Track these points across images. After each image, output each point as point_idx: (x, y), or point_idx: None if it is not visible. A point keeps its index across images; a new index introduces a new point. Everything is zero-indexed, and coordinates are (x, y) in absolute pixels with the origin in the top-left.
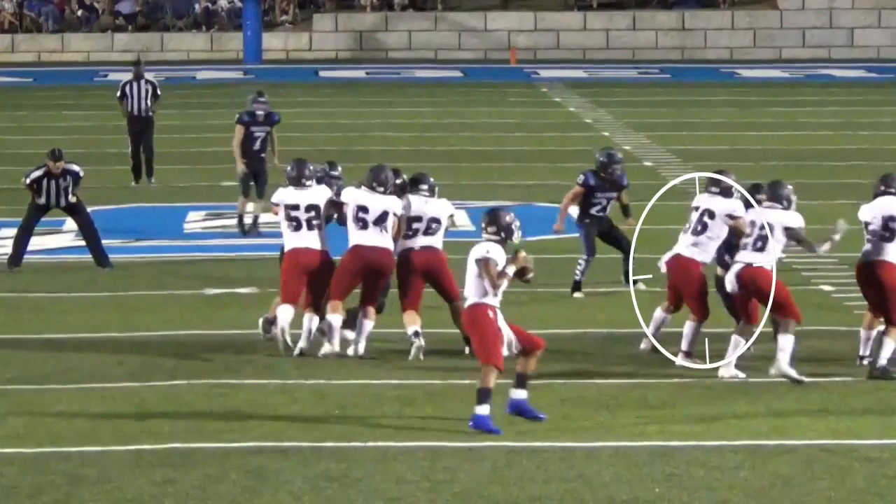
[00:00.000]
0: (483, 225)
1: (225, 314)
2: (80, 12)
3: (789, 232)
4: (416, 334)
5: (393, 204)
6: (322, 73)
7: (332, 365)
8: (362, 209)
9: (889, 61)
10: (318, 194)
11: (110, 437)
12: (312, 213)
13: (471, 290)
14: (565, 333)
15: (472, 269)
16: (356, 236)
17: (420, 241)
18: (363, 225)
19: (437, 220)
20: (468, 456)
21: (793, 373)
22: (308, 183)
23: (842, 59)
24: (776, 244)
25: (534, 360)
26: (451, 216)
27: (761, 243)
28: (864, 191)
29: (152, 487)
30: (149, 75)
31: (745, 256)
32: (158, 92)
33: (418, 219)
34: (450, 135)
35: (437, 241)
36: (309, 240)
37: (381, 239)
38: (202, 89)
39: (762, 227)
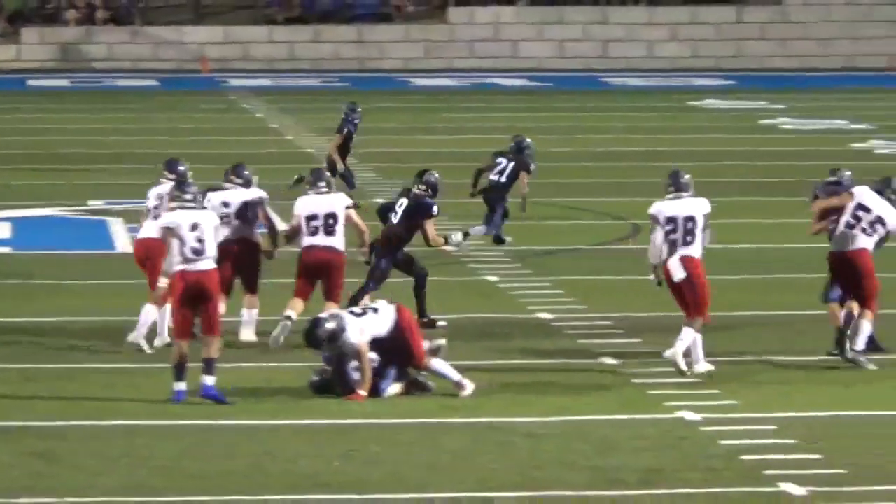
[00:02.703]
0: None
1: None
2: None
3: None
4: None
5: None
6: (30, 83)
7: (35, 348)
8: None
9: (549, 71)
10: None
11: None
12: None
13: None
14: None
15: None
16: None
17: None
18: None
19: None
20: (165, 433)
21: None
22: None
23: (507, 68)
24: None
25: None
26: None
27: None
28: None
29: None
30: None
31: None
32: None
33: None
34: (148, 139)
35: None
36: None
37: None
38: None
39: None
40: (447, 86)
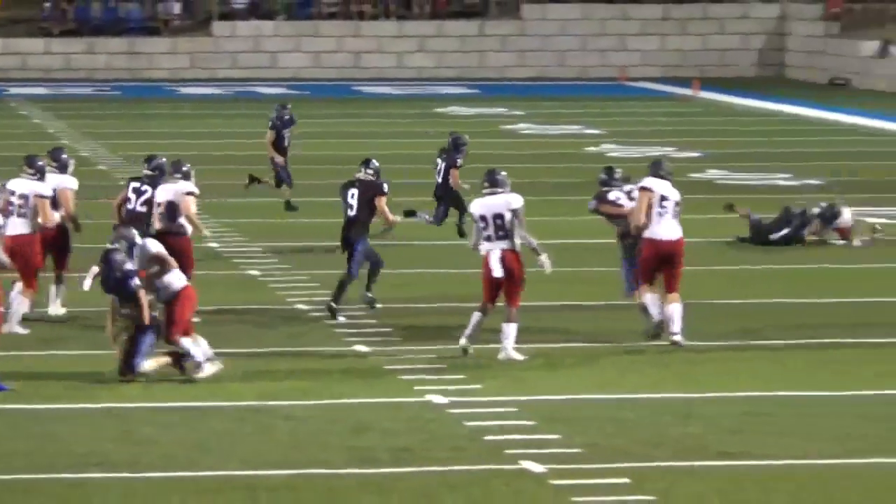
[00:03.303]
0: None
1: None
2: None
3: None
4: None
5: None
6: None
7: None
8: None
9: (306, 80)
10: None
11: None
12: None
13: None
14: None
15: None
16: None
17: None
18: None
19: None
20: None
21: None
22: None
23: (267, 78)
24: None
25: None
26: None
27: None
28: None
29: None
30: None
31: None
32: None
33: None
34: None
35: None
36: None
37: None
38: None
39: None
40: (212, 94)
